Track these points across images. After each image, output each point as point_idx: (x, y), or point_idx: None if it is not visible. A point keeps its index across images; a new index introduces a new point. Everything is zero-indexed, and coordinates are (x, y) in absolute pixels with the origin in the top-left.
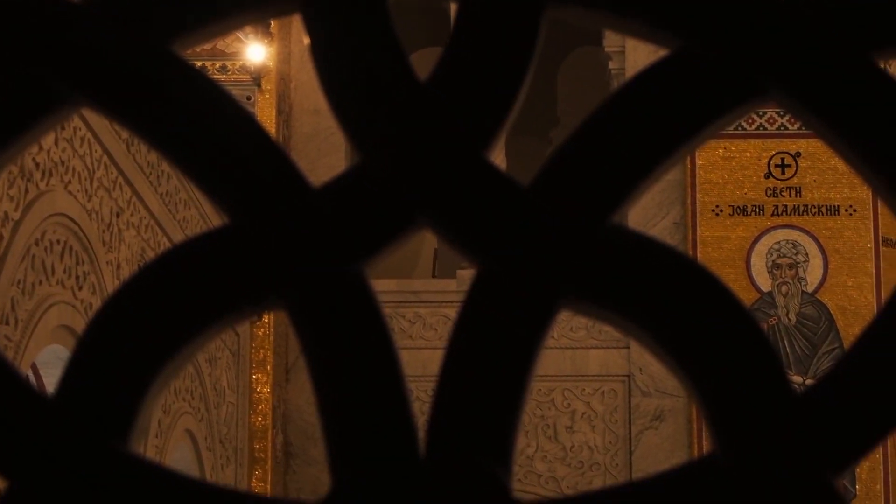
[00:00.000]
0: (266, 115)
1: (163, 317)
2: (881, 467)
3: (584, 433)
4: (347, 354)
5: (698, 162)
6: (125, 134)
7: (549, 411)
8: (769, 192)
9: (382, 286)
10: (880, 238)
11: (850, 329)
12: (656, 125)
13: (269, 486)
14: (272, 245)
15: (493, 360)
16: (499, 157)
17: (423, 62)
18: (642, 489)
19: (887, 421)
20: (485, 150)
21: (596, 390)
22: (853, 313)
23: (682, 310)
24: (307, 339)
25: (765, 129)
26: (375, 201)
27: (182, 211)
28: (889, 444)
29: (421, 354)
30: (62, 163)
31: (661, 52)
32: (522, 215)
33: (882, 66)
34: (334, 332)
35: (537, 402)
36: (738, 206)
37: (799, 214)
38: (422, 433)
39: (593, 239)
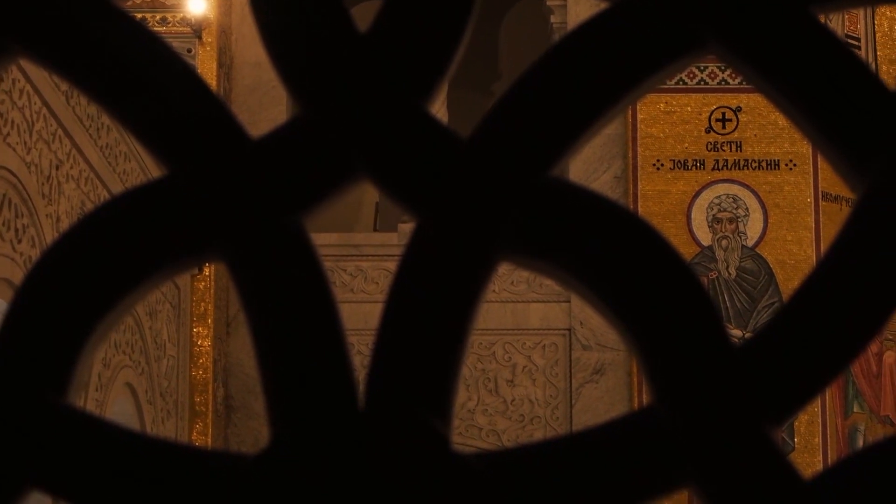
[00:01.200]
0: (207, 67)
1: (100, 269)
2: (819, 420)
3: (525, 387)
4: (286, 307)
5: (639, 116)
6: (65, 86)
7: (490, 365)
8: (710, 147)
9: (323, 240)
10: (820, 192)
11: (790, 283)
12: (596, 77)
13: (209, 440)
14: (211, 197)
15: (431, 312)
16: (440, 111)
17: (365, 16)
18: (581, 441)
19: (824, 374)
20: (424, 103)
21: (537, 344)
22: (793, 267)
23: (621, 263)
24: (246, 292)
25: (706, 83)
26: (314, 153)
27: (122, 164)
28: (827, 397)
29: (362, 308)
30: (0, 115)
31: (603, 6)
32: (461, 167)
33: (822, 19)
34: (273, 284)
35: (478, 355)
36: (679, 161)
37: (739, 169)
38: (363, 387)
39: (532, 191)
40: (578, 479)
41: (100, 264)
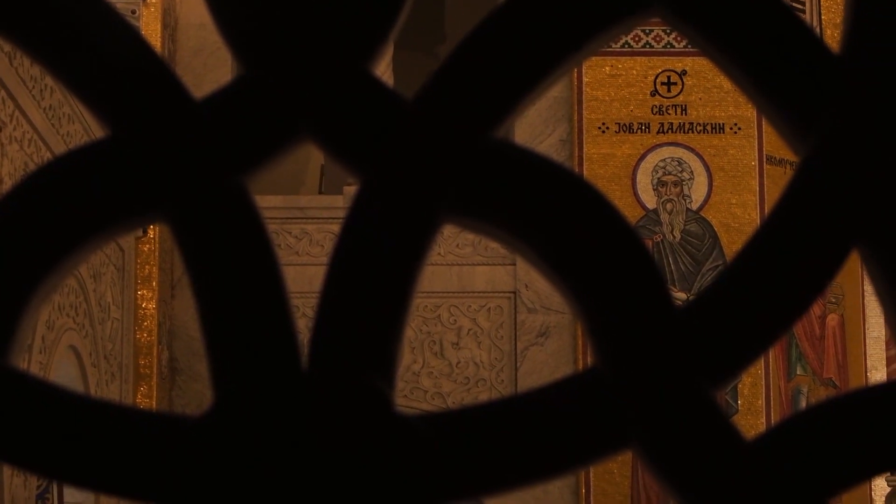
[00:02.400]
0: (151, 29)
1: (42, 229)
2: (763, 383)
3: (471, 349)
4: (229, 268)
5: (585, 79)
6: (7, 47)
7: (436, 328)
8: (655, 110)
9: (269, 202)
10: (764, 156)
11: (734, 246)
12: (540, 39)
13: (154, 402)
14: (153, 158)
15: (375, 274)
16: (386, 73)
17: None
18: (524, 402)
19: (766, 336)
20: (368, 64)
21: (482, 307)
22: (737, 230)
23: (565, 225)
24: (189, 253)
25: (651, 46)
26: (258, 115)
27: (66, 125)
28: (771, 359)
29: (307, 271)
30: None
31: None
32: (405, 128)
33: None
34: (215, 245)
35: (423, 318)
36: (625, 124)
37: (684, 132)
38: (307, 349)
39: (476, 152)
40: (521, 440)
41: (41, 225)
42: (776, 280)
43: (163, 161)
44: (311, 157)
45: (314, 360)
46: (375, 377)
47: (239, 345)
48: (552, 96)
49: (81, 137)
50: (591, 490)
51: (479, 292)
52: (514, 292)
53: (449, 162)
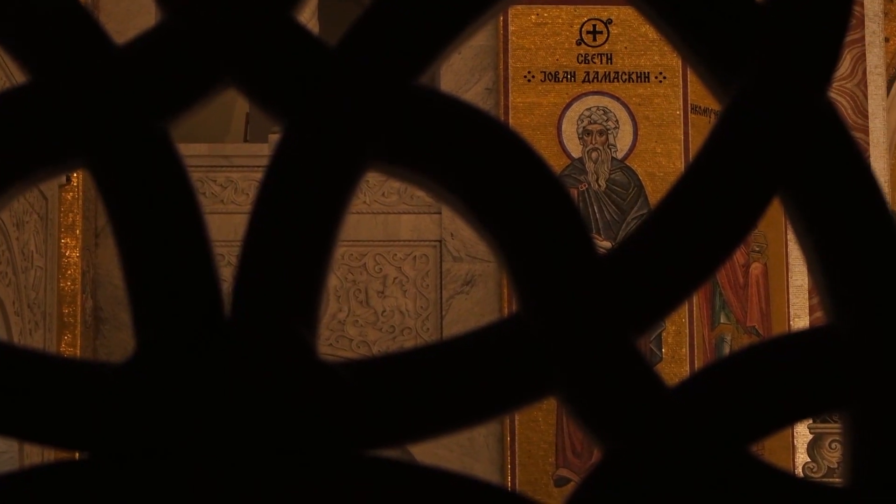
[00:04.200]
0: None
1: None
2: (686, 331)
3: (396, 298)
4: (150, 215)
5: (510, 28)
6: None
7: (361, 276)
8: (580, 59)
9: (194, 150)
10: (689, 105)
11: (659, 195)
12: None
13: (78, 351)
14: (74, 103)
15: (297, 221)
16: (311, 21)
17: None
18: (447, 349)
19: (688, 283)
20: (292, 10)
21: (407, 255)
22: (661, 179)
23: (489, 174)
24: (110, 200)
25: None
26: (180, 60)
27: None
28: (695, 308)
29: (233, 219)
30: None
31: None
32: (328, 74)
33: None
34: (137, 192)
35: (349, 266)
36: (550, 73)
37: (610, 81)
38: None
39: (400, 98)
40: (444, 387)
41: None
42: (698, 227)
43: (83, 106)
44: (236, 105)
45: (237, 307)
46: (298, 324)
47: (161, 292)
48: (478, 45)
49: (3, 83)
50: (516, 438)
51: (405, 241)
52: (440, 241)
53: (372, 109)
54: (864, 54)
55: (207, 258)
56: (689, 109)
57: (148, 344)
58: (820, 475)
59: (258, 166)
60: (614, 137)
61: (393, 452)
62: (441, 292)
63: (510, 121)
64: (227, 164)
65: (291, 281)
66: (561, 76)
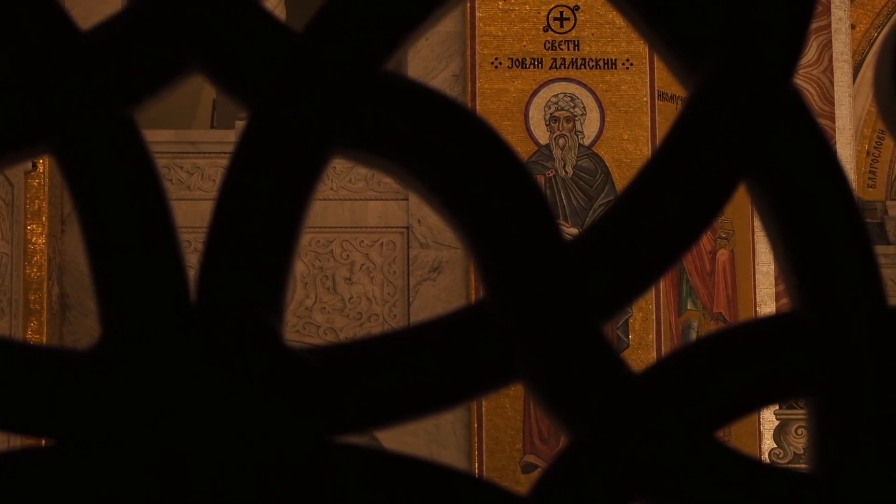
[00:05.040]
0: None
1: None
2: (654, 318)
3: (363, 284)
4: (116, 202)
5: (478, 14)
6: None
7: (328, 263)
8: (548, 46)
9: (160, 136)
10: (656, 92)
11: (626, 182)
12: None
13: (44, 338)
14: (40, 89)
15: (263, 207)
16: (278, 7)
17: None
18: (413, 334)
19: (654, 269)
20: None
21: (375, 242)
22: (628, 166)
23: (455, 159)
24: (76, 187)
25: None
26: (145, 46)
27: None
28: (661, 295)
29: (199, 206)
30: None
31: None
32: (295, 60)
33: None
34: (102, 178)
35: (316, 253)
36: (517, 59)
37: (577, 68)
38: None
39: (367, 84)
40: (411, 373)
41: None
42: (664, 213)
43: (49, 93)
44: (203, 91)
45: (202, 293)
46: (264, 310)
47: (127, 279)
48: (445, 31)
49: None
50: (484, 425)
51: (372, 227)
52: (407, 227)
53: (338, 95)
54: (830, 41)
55: (173, 245)
56: (656, 96)
57: (114, 331)
58: (786, 461)
59: (224, 153)
60: (581, 124)
61: (360, 439)
62: (408, 279)
63: (477, 107)
64: (193, 151)
65: (257, 268)
66: (528, 63)
